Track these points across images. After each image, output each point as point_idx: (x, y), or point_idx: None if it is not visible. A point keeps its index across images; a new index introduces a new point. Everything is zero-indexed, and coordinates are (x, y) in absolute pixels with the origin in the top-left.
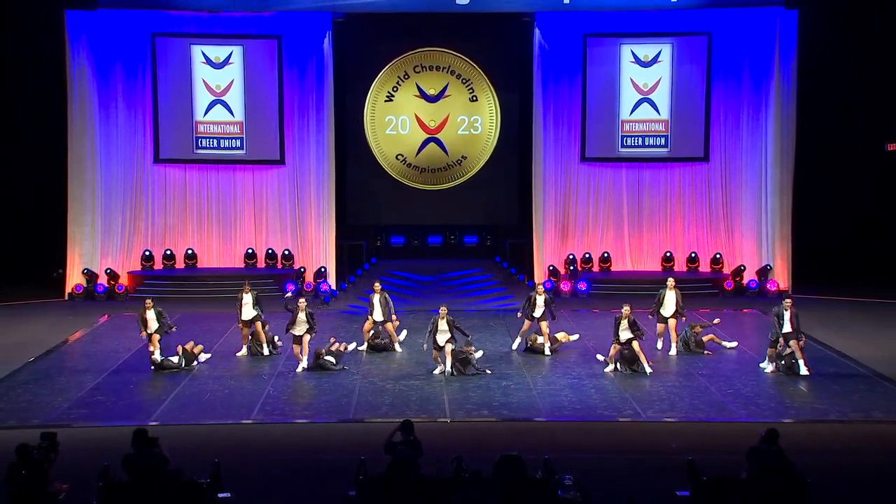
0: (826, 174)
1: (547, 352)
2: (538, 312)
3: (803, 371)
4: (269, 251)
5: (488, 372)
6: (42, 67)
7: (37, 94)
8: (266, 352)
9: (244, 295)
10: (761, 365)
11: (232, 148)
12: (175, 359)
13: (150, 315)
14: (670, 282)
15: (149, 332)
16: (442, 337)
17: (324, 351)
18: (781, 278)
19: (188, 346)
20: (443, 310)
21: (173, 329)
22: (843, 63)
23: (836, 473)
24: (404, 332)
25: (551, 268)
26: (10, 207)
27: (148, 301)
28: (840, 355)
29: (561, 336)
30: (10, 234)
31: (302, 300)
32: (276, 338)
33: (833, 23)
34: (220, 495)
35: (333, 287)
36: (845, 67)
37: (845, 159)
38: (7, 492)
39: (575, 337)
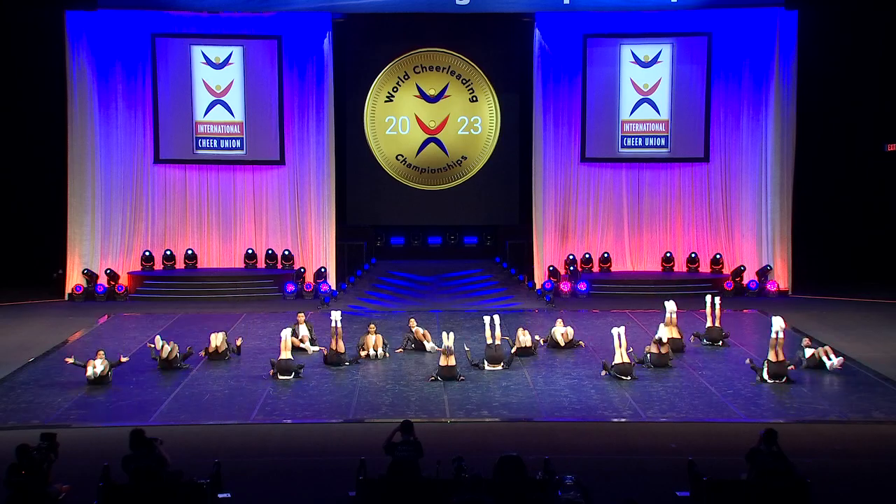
0: (826, 174)
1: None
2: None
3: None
4: (269, 252)
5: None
6: (42, 68)
7: (37, 94)
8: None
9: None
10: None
11: (232, 148)
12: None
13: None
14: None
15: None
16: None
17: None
18: (781, 279)
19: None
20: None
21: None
22: (843, 63)
23: (837, 474)
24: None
25: (551, 268)
26: (10, 207)
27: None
28: (839, 355)
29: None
30: (10, 234)
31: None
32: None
33: (833, 23)
34: (221, 496)
35: (333, 287)
36: (845, 68)
37: (845, 160)
38: (7, 492)
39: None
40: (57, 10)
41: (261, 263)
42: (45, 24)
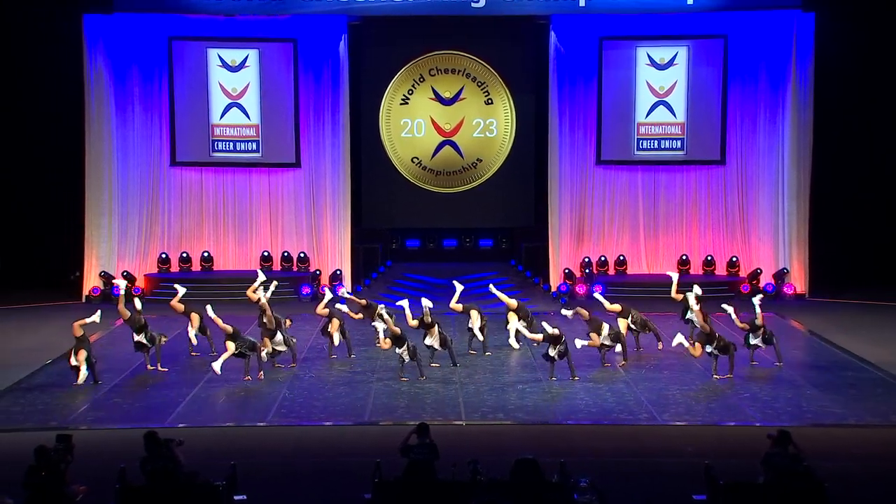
0: (844, 176)
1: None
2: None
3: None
4: (285, 254)
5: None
6: (60, 71)
7: (54, 97)
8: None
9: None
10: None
11: (248, 151)
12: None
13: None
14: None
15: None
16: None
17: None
18: (799, 282)
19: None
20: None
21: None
22: (861, 66)
23: (854, 478)
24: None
25: (567, 271)
26: (28, 210)
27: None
28: (857, 359)
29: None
30: (28, 236)
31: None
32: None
33: (850, 25)
34: (236, 497)
35: (349, 290)
36: (862, 70)
37: (863, 161)
38: (25, 494)
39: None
40: (74, 13)
41: (276, 266)
42: (62, 28)
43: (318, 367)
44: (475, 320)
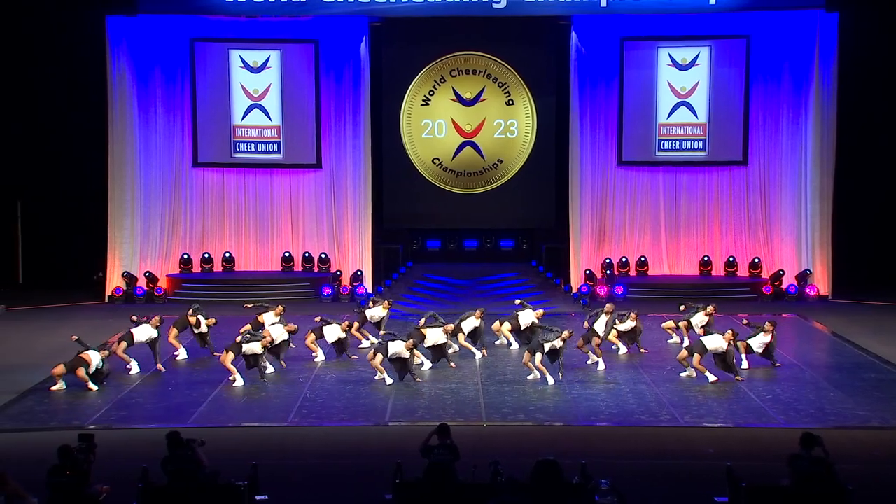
0: (868, 177)
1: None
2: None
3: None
4: (306, 255)
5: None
6: (83, 72)
7: (78, 99)
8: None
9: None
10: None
11: (269, 152)
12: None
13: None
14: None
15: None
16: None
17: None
18: (822, 283)
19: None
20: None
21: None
22: (885, 66)
23: (879, 481)
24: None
25: (588, 272)
26: (51, 211)
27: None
28: (881, 361)
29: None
30: (51, 237)
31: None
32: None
33: (873, 25)
34: (258, 498)
35: (370, 290)
36: (886, 70)
37: (886, 162)
38: (48, 493)
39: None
40: (98, 15)
41: (297, 266)
42: (86, 30)
43: (338, 368)
44: (472, 325)
